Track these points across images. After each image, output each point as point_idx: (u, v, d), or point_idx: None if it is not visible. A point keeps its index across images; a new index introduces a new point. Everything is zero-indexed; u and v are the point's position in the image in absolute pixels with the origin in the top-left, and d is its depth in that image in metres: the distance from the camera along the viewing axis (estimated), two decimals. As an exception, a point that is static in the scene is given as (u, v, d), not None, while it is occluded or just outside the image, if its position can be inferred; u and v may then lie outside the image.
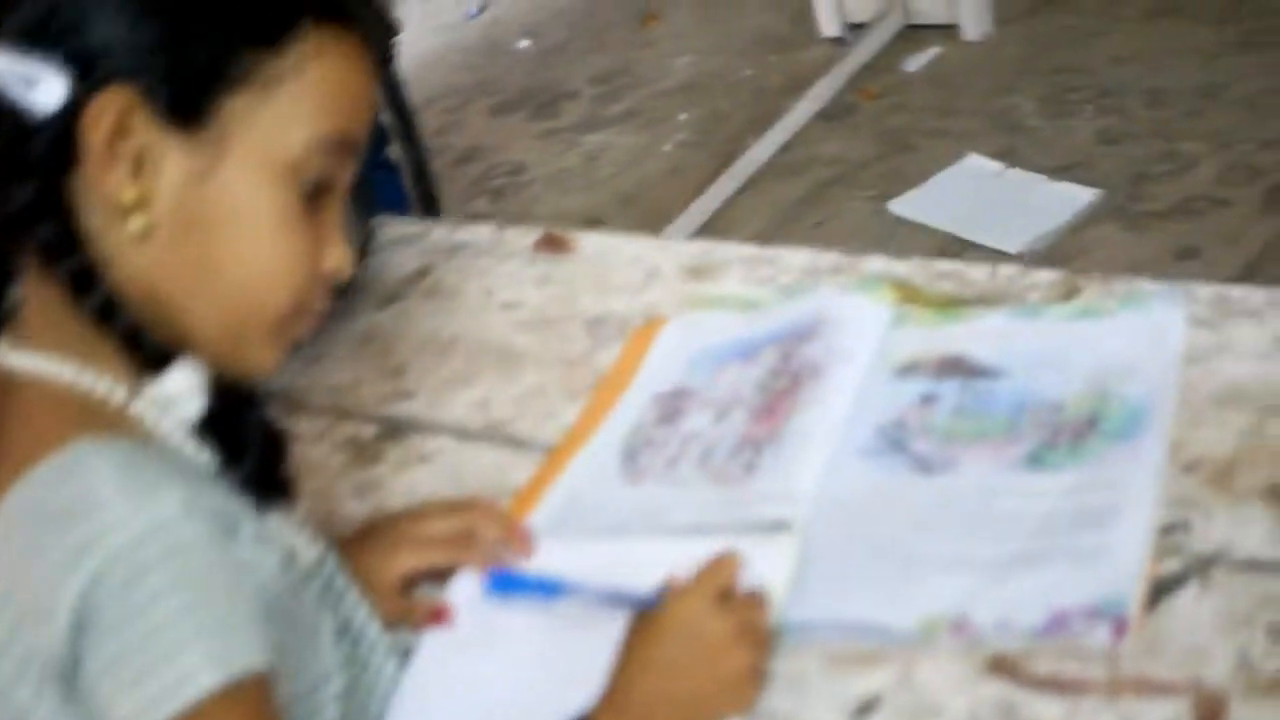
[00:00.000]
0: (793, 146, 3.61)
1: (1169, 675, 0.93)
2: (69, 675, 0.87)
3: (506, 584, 1.12)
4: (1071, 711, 0.93)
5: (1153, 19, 3.66)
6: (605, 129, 3.98)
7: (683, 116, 3.91)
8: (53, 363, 0.93)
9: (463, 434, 1.34)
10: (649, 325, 1.38)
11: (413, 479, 1.30)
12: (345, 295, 1.54)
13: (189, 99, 0.91)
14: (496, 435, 1.32)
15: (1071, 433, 1.12)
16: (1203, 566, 0.99)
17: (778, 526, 1.09)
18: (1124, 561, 1.00)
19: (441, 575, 1.16)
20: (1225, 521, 1.02)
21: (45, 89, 0.89)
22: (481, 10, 4.97)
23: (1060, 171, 3.16)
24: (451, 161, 3.95)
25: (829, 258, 1.40)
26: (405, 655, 1.10)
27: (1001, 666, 0.97)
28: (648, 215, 3.44)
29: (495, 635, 1.11)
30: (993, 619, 0.99)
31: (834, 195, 3.36)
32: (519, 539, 1.15)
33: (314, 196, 0.96)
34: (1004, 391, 1.18)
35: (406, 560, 1.14)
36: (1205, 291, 1.21)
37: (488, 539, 1.15)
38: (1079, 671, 0.95)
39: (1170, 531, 1.02)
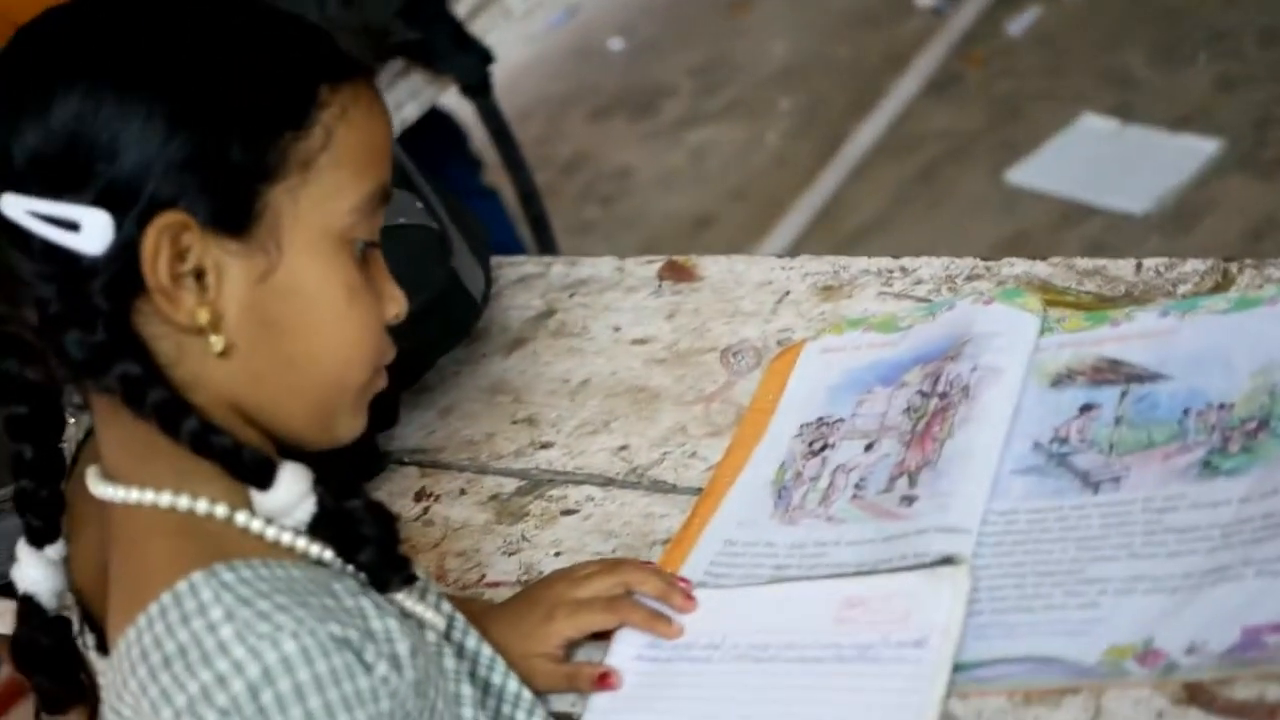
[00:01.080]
0: (900, 124, 3.56)
1: (1380, 692, 0.88)
2: None
3: None
4: (1279, 738, 0.89)
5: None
6: (707, 124, 3.95)
7: (784, 104, 3.87)
8: (148, 493, 0.91)
9: (606, 482, 1.31)
10: (786, 352, 1.34)
11: (558, 533, 1.28)
12: (471, 340, 1.53)
13: (235, 204, 0.88)
14: (641, 482, 1.30)
15: (1244, 435, 1.07)
16: (1404, 571, 0.94)
17: (945, 561, 1.05)
18: (1319, 572, 0.95)
19: (601, 635, 1.13)
20: None
21: (90, 231, 0.86)
22: (569, 16, 4.95)
23: (1179, 124, 3.08)
24: (557, 171, 3.93)
25: (964, 263, 1.36)
26: (545, 714, 1.08)
27: (1198, 696, 0.93)
28: (759, 209, 3.40)
29: (659, 694, 1.09)
30: (1182, 644, 0.95)
31: (948, 171, 3.30)
32: (678, 595, 1.12)
33: (364, 254, 0.95)
34: (1166, 395, 1.13)
35: (564, 628, 1.12)
36: (1370, 271, 1.16)
37: (647, 593, 1.13)
38: (1281, 694, 0.91)
39: (1363, 534, 0.97)
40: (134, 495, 0.91)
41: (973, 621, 1.02)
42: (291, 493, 0.91)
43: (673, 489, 1.28)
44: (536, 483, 1.35)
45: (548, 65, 4.62)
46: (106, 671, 0.95)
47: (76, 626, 1.02)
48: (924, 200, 3.22)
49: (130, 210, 0.86)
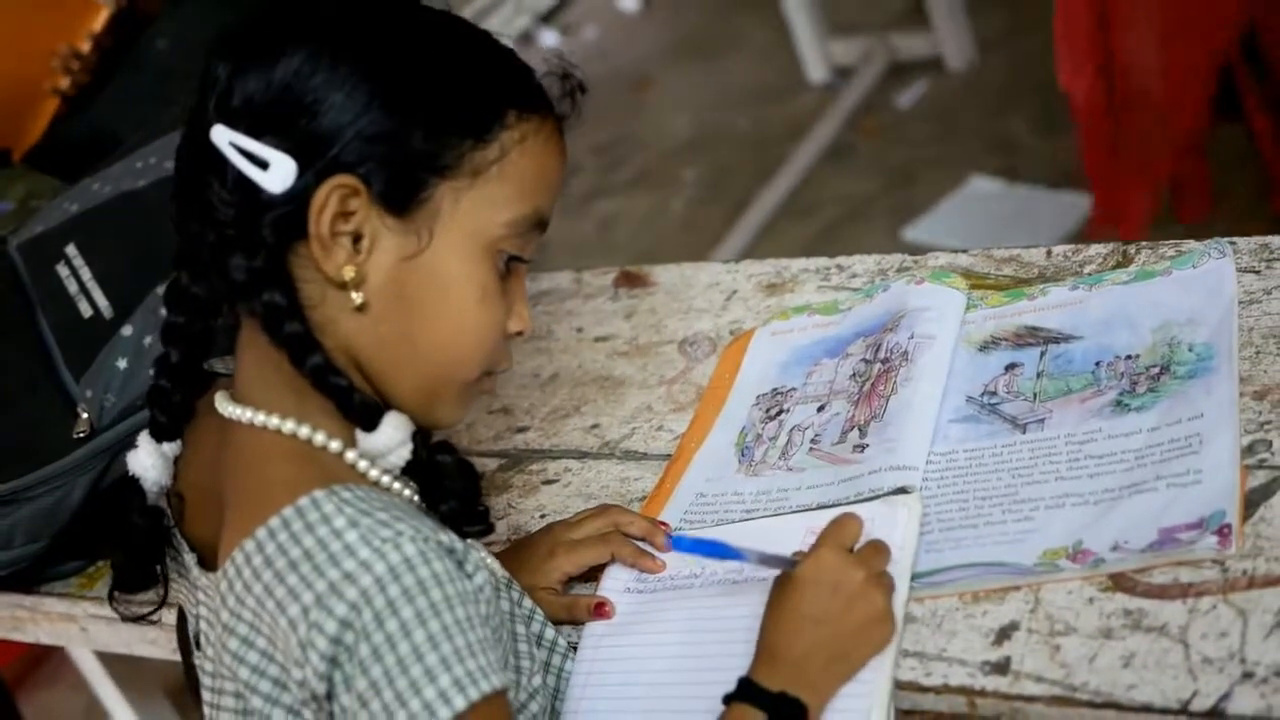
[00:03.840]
0: (800, 191, 3.75)
1: (1273, 570, 1.04)
2: (324, 705, 0.97)
3: (685, 545, 1.19)
4: (1193, 610, 1.04)
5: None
6: (615, 195, 4.12)
7: (688, 174, 4.05)
8: (273, 417, 1.04)
9: (581, 455, 1.45)
10: (739, 338, 1.50)
11: (541, 501, 1.42)
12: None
13: (406, 186, 1.02)
14: (614, 452, 1.44)
15: (1149, 378, 1.23)
16: (1290, 475, 1.11)
17: (899, 492, 1.20)
18: (1218, 480, 1.11)
19: (589, 576, 1.27)
20: (1300, 435, 1.14)
21: (276, 172, 1.00)
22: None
23: (1060, 182, 3.29)
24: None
25: (894, 258, 1.52)
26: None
27: (1122, 583, 1.09)
28: (670, 270, 3.55)
29: (647, 619, 1.22)
30: (1108, 543, 1.11)
31: (848, 231, 3.49)
32: (660, 535, 1.26)
33: (508, 267, 1.08)
34: (1080, 352, 1.30)
35: (564, 564, 1.25)
36: (1246, 243, 1.33)
37: (633, 533, 1.26)
38: (1194, 577, 1.06)
39: (1254, 450, 1.14)
40: (259, 418, 1.05)
41: (924, 539, 1.17)
42: (393, 437, 1.05)
43: (644, 456, 1.42)
44: (517, 460, 1.48)
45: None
46: (208, 586, 1.07)
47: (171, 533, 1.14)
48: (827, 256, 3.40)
49: (314, 164, 1.00)
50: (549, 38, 5.31)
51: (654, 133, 4.36)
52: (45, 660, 3.17)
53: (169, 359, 1.11)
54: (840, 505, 1.22)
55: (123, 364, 1.48)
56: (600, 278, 1.70)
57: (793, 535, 1.20)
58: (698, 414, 1.43)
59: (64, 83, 1.95)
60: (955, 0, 3.87)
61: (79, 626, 1.63)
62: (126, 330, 1.49)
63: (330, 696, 0.96)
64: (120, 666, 2.58)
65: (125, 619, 1.19)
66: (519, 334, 1.12)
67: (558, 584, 1.25)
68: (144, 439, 1.13)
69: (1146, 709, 1.01)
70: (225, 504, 1.06)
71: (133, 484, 1.12)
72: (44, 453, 1.49)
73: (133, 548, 1.15)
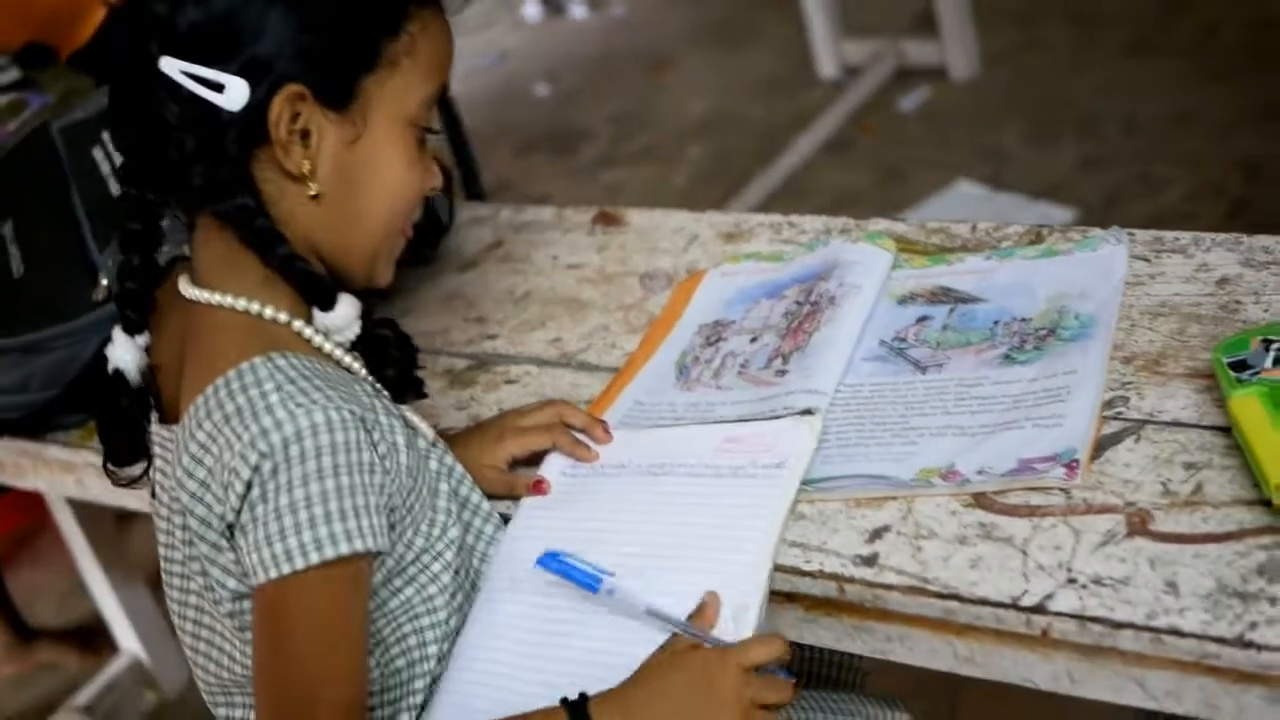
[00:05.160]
0: (797, 177, 3.92)
1: (1109, 500, 1.22)
2: (234, 532, 1.15)
3: (556, 565, 1.27)
4: (1035, 528, 1.22)
5: (1128, 55, 3.97)
6: (622, 165, 4.29)
7: (694, 153, 4.22)
8: (229, 297, 1.22)
9: (541, 362, 1.63)
10: (692, 276, 1.67)
11: (501, 396, 1.59)
12: (430, 262, 1.84)
13: (341, 85, 1.21)
14: (570, 362, 1.62)
15: (1037, 338, 1.41)
16: (1137, 427, 1.28)
17: (806, 412, 1.38)
18: (1077, 424, 1.28)
19: (533, 460, 1.44)
20: (1155, 395, 1.31)
21: (231, 93, 1.17)
22: (500, 60, 5.29)
23: (1042, 193, 3.46)
24: (479, 195, 4.25)
25: (839, 220, 1.70)
26: (500, 520, 1.38)
27: (981, 501, 1.26)
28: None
29: (576, 499, 1.39)
30: (975, 468, 1.28)
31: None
32: (598, 428, 1.43)
33: (420, 138, 1.27)
34: (982, 312, 1.47)
35: (511, 446, 1.42)
36: (1142, 234, 1.51)
37: (574, 424, 1.43)
38: (1042, 501, 1.24)
39: (1113, 404, 1.31)
40: (217, 298, 1.22)
41: (821, 453, 1.35)
42: (346, 315, 1.24)
43: (595, 368, 1.59)
44: (483, 361, 1.66)
45: (478, 103, 4.95)
46: (168, 437, 1.25)
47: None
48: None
49: (264, 80, 1.17)
50: (579, 10, 5.49)
51: (668, 111, 4.54)
52: (30, 542, 3.34)
53: (131, 263, 1.28)
54: (756, 419, 1.39)
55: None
56: (580, 215, 1.88)
57: (709, 441, 1.38)
58: (647, 336, 1.61)
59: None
60: (965, 14, 4.03)
61: (75, 478, 1.81)
62: None
63: (236, 527, 1.14)
64: (105, 552, 2.77)
65: (118, 484, 1.35)
66: (434, 189, 1.30)
67: (503, 464, 1.42)
68: (119, 337, 1.29)
69: (983, 602, 1.18)
70: (184, 373, 1.23)
71: (117, 375, 1.28)
72: (66, 311, 1.67)
73: (122, 427, 1.31)
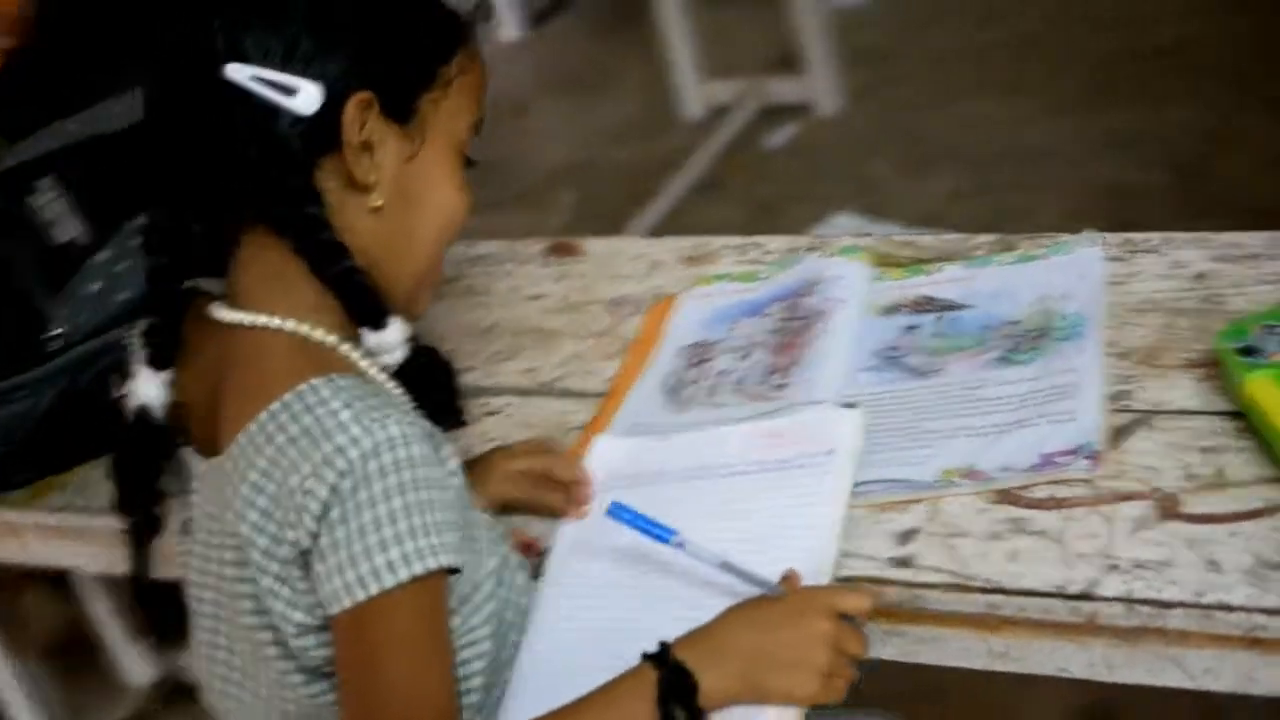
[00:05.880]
0: (669, 219, 3.95)
1: (1134, 488, 1.25)
2: (307, 560, 1.11)
3: (627, 515, 1.26)
4: (1066, 519, 1.24)
5: (985, 90, 4.09)
6: (493, 212, 4.27)
7: (566, 198, 4.24)
8: (274, 318, 1.19)
9: (521, 392, 1.62)
10: (665, 300, 1.68)
11: (485, 428, 1.57)
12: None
13: (405, 98, 1.20)
14: (551, 390, 1.61)
15: (1030, 340, 1.44)
16: (1146, 417, 1.32)
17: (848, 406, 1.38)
18: (1089, 418, 1.31)
19: (525, 509, 1.42)
20: (1157, 387, 1.35)
21: (304, 96, 1.15)
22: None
23: (916, 223, 3.53)
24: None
25: (803, 239, 1.72)
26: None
27: (1007, 497, 1.28)
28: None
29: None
30: (997, 465, 1.30)
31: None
32: (582, 485, 1.40)
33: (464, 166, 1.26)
34: (969, 318, 1.50)
35: (498, 488, 1.40)
36: (1113, 236, 1.55)
37: (563, 480, 1.41)
38: (1068, 493, 1.26)
39: (1118, 397, 1.34)
40: (263, 319, 1.19)
41: (837, 461, 1.36)
42: (396, 337, 1.21)
43: (580, 394, 1.59)
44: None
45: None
46: (209, 471, 1.21)
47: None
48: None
49: (336, 86, 1.16)
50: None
51: (534, 157, 4.54)
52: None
53: (158, 295, 1.24)
54: (778, 413, 1.40)
55: (96, 287, 1.62)
56: (530, 247, 1.87)
57: (748, 439, 1.38)
58: (626, 361, 1.60)
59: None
60: (828, 51, 4.11)
61: (20, 543, 1.75)
62: (101, 256, 1.63)
63: (312, 552, 1.10)
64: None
65: (134, 532, 1.27)
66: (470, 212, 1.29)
67: (491, 504, 1.39)
68: (144, 373, 1.24)
69: (1029, 593, 1.20)
70: (225, 401, 1.19)
71: (142, 411, 1.23)
72: (20, 362, 1.62)
73: (141, 467, 1.25)
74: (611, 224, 3.94)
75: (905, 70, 4.31)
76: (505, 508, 1.42)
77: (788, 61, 4.25)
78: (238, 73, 1.15)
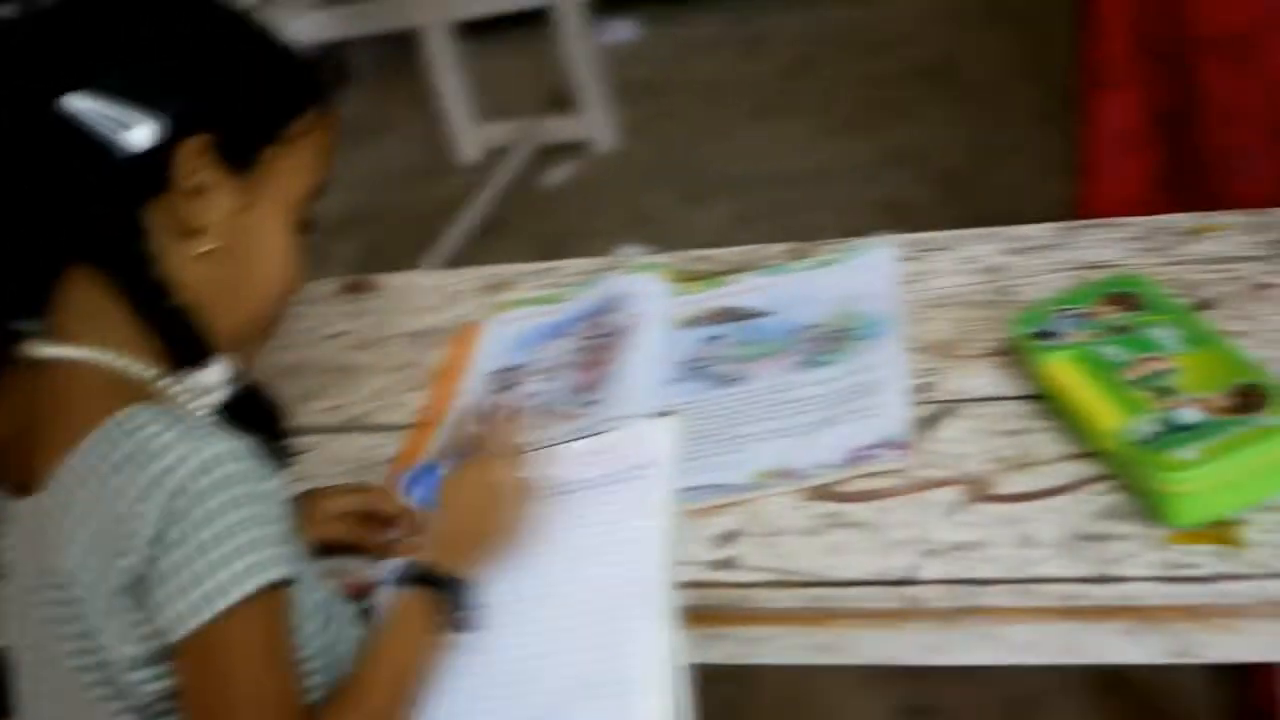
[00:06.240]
0: (458, 262, 3.93)
1: (945, 475, 1.28)
2: (140, 587, 1.07)
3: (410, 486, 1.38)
4: (881, 510, 1.26)
5: (757, 118, 4.17)
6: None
7: (345, 249, 4.19)
8: (95, 352, 1.15)
9: (328, 429, 1.59)
10: (469, 327, 1.67)
11: (296, 467, 1.54)
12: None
13: (244, 148, 1.17)
14: (358, 426, 1.58)
15: (832, 341, 1.46)
16: (950, 406, 1.35)
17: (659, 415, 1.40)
18: (895, 411, 1.35)
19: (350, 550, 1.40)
20: (958, 377, 1.39)
21: (139, 132, 1.12)
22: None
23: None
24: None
25: (602, 261, 1.73)
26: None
27: (822, 493, 1.30)
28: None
29: None
30: (810, 463, 1.32)
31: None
32: (408, 517, 1.39)
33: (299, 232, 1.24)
34: (771, 325, 1.52)
35: (320, 530, 1.38)
36: (904, 238, 1.60)
37: (389, 514, 1.39)
38: (880, 484, 1.29)
39: (922, 390, 1.38)
40: (83, 353, 1.15)
41: (652, 470, 1.37)
42: (218, 376, 1.18)
43: (387, 428, 1.57)
44: (265, 436, 1.61)
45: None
46: (24, 510, 1.16)
47: None
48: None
49: (174, 124, 1.12)
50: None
51: (310, 209, 4.48)
52: None
53: None
54: (597, 430, 1.40)
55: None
56: (321, 287, 1.85)
57: (568, 458, 1.38)
58: (434, 391, 1.59)
59: None
60: (602, 88, 4.15)
61: None
62: None
63: (147, 576, 1.07)
64: None
65: None
66: (298, 287, 1.27)
67: (312, 545, 1.36)
68: None
69: (851, 583, 1.22)
70: (39, 437, 1.15)
71: None
72: None
73: None
74: (396, 270, 3.91)
75: (679, 102, 4.38)
76: (324, 550, 1.39)
77: (563, 100, 4.28)
78: (73, 103, 1.11)
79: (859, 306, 1.50)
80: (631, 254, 3.64)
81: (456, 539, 1.29)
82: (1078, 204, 2.06)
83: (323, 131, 1.24)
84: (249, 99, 1.18)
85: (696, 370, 1.49)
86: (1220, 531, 1.16)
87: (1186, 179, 1.97)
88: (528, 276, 1.75)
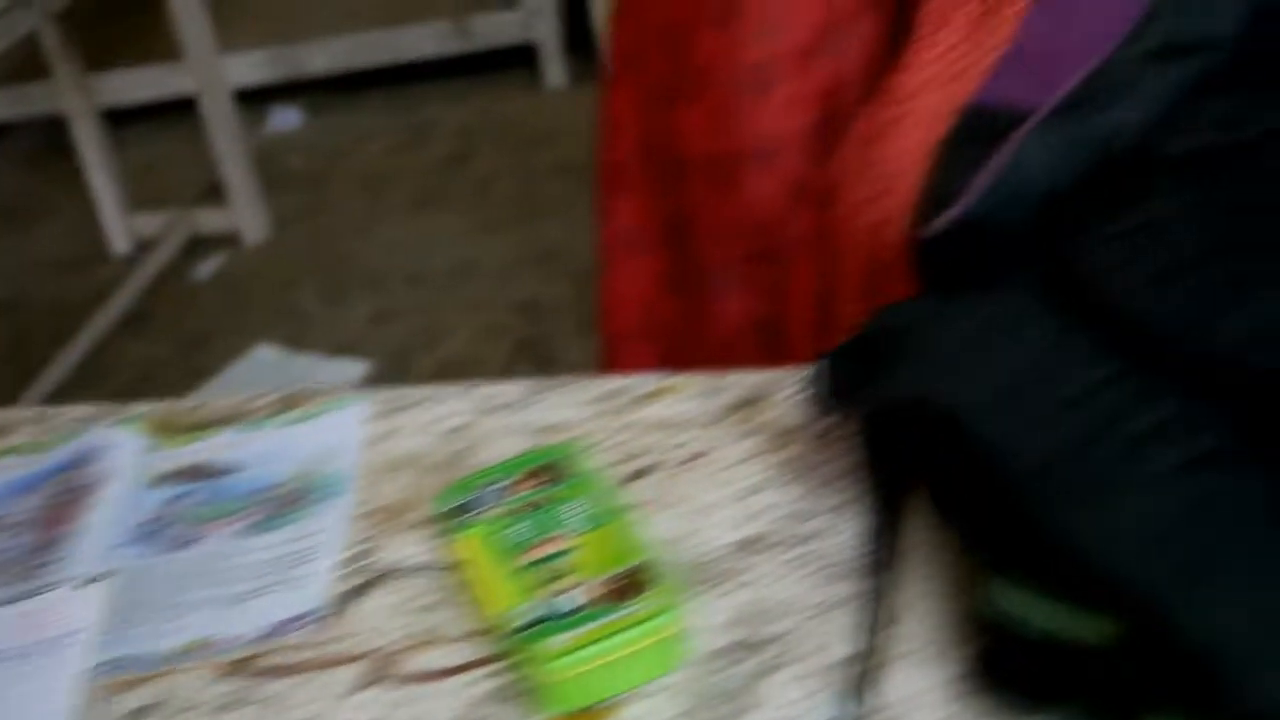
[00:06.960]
0: (97, 356, 3.87)
1: (355, 650, 1.30)
2: None
3: None
4: (293, 686, 1.28)
5: (412, 211, 4.20)
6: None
7: (-12, 338, 4.09)
8: None
9: None
10: (-56, 480, 1.64)
11: None
12: None
13: None
14: None
15: (288, 503, 1.48)
16: (380, 578, 1.38)
17: (91, 581, 1.39)
18: (320, 582, 1.37)
19: None
20: (396, 545, 1.41)
21: None
22: None
23: (338, 351, 3.59)
24: None
25: (105, 407, 1.72)
26: None
27: (239, 668, 1.31)
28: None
29: None
30: (231, 636, 1.34)
31: (142, 395, 3.63)
32: None
33: None
34: (239, 483, 1.53)
35: None
36: (384, 394, 1.62)
37: None
38: (295, 658, 1.31)
39: (358, 558, 1.40)
40: None
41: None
42: None
43: None
44: None
45: None
46: None
47: None
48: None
49: None
50: None
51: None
52: None
53: None
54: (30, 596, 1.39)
55: None
56: None
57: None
58: (-100, 547, 1.56)
59: None
60: (253, 181, 4.13)
61: None
62: None
63: None
64: None
65: None
66: None
67: None
68: None
69: (243, 766, 1.23)
70: None
71: None
72: None
73: None
74: (34, 367, 3.83)
75: (335, 194, 4.38)
76: None
77: (218, 191, 4.24)
78: None
79: (323, 467, 1.52)
80: (263, 355, 3.64)
81: None
82: (597, 302, 2.12)
83: None
84: None
85: (151, 533, 1.49)
86: (593, 718, 1.21)
87: (689, 286, 2.04)
88: (22, 422, 1.73)
